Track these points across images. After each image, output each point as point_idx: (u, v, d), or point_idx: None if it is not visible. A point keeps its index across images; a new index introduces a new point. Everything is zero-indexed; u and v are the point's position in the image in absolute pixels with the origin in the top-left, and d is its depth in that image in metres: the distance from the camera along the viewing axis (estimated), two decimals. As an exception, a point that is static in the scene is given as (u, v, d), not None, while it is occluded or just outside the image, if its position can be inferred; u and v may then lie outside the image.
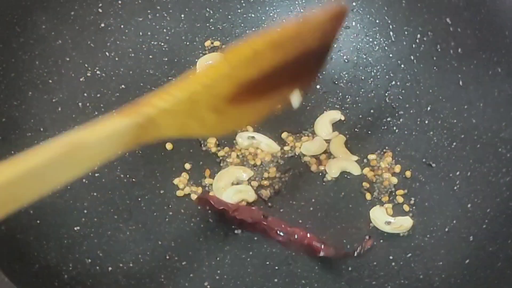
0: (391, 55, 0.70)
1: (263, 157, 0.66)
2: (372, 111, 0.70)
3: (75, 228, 0.61)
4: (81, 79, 0.68)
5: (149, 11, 0.72)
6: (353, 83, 0.71)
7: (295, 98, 0.56)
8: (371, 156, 0.67)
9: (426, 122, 0.68)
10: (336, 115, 0.69)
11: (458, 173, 0.64)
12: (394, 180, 0.65)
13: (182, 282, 0.59)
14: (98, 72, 0.69)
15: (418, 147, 0.67)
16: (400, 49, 0.70)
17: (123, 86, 0.69)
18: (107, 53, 0.70)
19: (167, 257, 0.60)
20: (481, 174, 0.63)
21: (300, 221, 0.63)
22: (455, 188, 0.64)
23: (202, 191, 0.64)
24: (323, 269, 0.60)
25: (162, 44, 0.72)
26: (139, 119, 0.46)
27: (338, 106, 0.70)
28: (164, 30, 0.72)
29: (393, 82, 0.70)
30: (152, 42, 0.72)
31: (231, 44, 0.73)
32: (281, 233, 0.60)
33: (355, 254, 0.59)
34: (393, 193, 0.65)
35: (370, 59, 0.71)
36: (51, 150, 0.42)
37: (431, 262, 0.60)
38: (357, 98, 0.70)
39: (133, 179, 0.64)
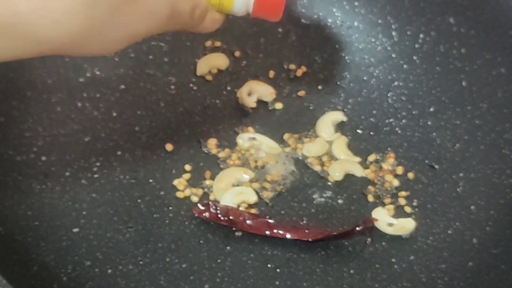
0: (393, 56, 0.70)
1: (264, 158, 0.66)
2: (374, 112, 0.69)
3: (74, 230, 0.60)
4: (80, 80, 0.68)
5: (149, 11, 0.72)
6: (355, 83, 0.71)
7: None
8: (373, 158, 0.66)
9: (429, 123, 0.67)
10: (338, 116, 0.69)
11: (461, 174, 0.64)
12: (397, 181, 0.65)
13: (182, 285, 0.59)
14: (97, 72, 0.69)
15: (421, 148, 0.67)
16: (403, 49, 0.70)
17: (122, 86, 0.69)
18: (107, 53, 0.70)
19: (167, 259, 0.60)
20: (485, 175, 0.63)
21: (302, 222, 0.62)
22: (458, 190, 0.64)
23: (201, 202, 0.63)
24: (325, 271, 0.60)
25: (162, 44, 0.71)
26: None
27: (340, 107, 0.69)
28: (165, 30, 0.72)
29: (396, 83, 0.70)
30: (152, 43, 0.71)
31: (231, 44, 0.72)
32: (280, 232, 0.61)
33: (357, 229, 0.59)
34: (396, 195, 0.64)
35: (372, 60, 0.71)
36: None
37: (434, 264, 0.60)
38: (359, 99, 0.70)
39: (133, 180, 0.64)
